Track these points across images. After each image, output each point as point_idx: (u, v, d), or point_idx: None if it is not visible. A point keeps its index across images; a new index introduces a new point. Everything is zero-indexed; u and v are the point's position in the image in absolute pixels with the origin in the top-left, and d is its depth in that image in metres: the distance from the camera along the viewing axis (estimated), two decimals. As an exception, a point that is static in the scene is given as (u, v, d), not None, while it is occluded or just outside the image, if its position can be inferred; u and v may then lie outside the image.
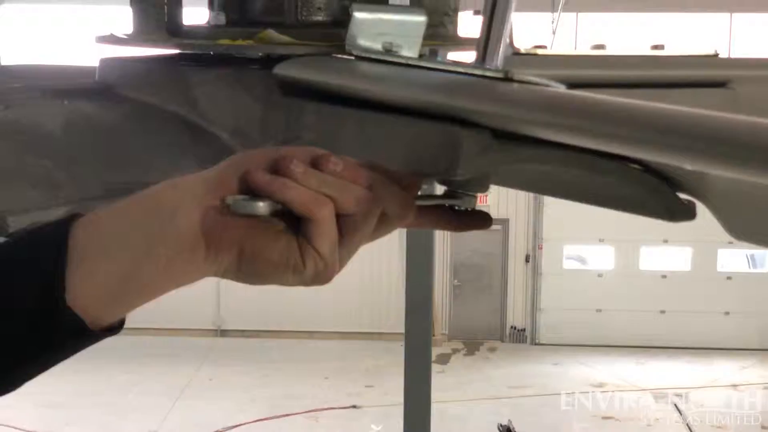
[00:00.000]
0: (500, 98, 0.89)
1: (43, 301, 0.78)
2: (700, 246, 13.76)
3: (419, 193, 0.92)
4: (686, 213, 1.01)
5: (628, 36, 13.85)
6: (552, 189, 1.13)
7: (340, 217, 0.84)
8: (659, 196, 1.00)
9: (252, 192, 0.82)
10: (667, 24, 14.07)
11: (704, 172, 0.88)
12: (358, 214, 0.85)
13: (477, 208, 0.93)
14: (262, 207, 0.81)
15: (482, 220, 0.94)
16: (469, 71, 0.94)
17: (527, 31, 12.46)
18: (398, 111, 0.96)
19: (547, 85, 0.91)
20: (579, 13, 13.93)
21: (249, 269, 0.84)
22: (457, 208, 0.94)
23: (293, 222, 0.84)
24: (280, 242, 0.84)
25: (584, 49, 1.42)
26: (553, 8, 13.17)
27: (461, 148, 0.91)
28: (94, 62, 1.30)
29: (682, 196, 1.01)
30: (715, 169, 0.77)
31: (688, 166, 0.82)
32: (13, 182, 1.00)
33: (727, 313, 14.33)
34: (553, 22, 13.30)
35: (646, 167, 0.99)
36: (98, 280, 0.79)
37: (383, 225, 0.88)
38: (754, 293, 14.15)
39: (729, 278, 14.47)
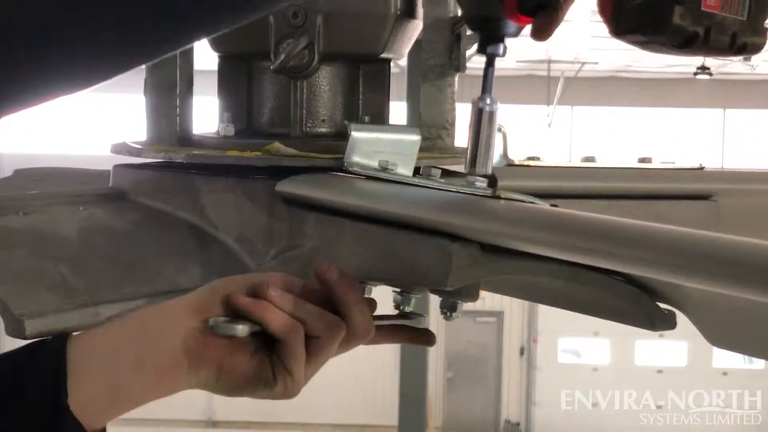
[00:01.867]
0: (487, 215, 0.96)
1: (48, 407, 0.85)
2: (696, 341, 13.61)
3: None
4: (667, 322, 1.06)
5: (622, 130, 14.04)
6: (539, 297, 1.19)
7: (309, 338, 0.95)
8: (640, 306, 1.05)
9: (232, 314, 0.93)
10: (661, 119, 14.28)
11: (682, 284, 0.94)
12: (326, 337, 0.96)
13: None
14: (241, 329, 0.92)
15: (428, 337, 1.08)
16: (460, 190, 1.01)
17: (524, 123, 12.66)
18: (393, 224, 1.03)
19: (533, 203, 0.98)
20: (574, 107, 14.15)
21: (225, 383, 0.95)
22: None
23: (265, 342, 0.95)
24: (255, 360, 0.95)
25: (575, 161, 1.49)
26: (548, 102, 13.39)
27: (451, 261, 0.97)
28: (111, 161, 1.37)
29: (663, 306, 1.06)
30: (688, 282, 0.83)
31: (664, 279, 0.88)
32: (31, 287, 1.05)
33: (723, 409, 14.22)
34: (548, 115, 13.50)
35: (628, 278, 1.05)
36: (92, 390, 0.88)
37: (345, 343, 0.99)
38: (750, 390, 14.05)
39: (725, 374, 14.39)
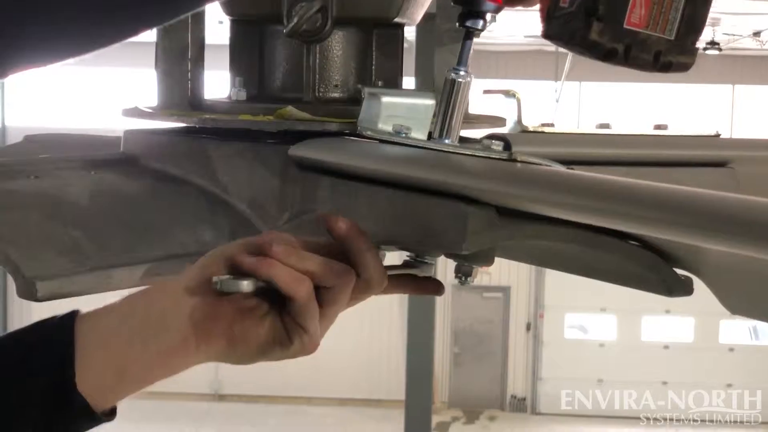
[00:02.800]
0: (503, 178, 0.95)
1: (57, 388, 0.85)
2: (702, 317, 13.73)
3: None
4: (683, 288, 1.05)
5: (630, 105, 13.98)
6: (554, 263, 1.18)
7: (319, 290, 0.92)
8: (657, 272, 1.04)
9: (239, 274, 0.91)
10: (670, 94, 14.21)
11: (699, 248, 0.93)
12: (337, 286, 0.93)
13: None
14: (246, 285, 0.89)
15: (436, 287, 1.05)
16: (475, 153, 1.00)
17: (532, 99, 12.57)
18: (408, 188, 1.02)
19: (549, 165, 0.96)
20: (582, 82, 14.08)
21: (239, 352, 0.92)
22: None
23: (275, 301, 0.92)
24: (266, 323, 0.92)
25: (590, 128, 1.47)
26: (556, 78, 13.33)
27: (467, 224, 0.96)
28: (119, 132, 1.36)
29: (680, 271, 1.05)
30: (705, 243, 0.82)
31: (680, 240, 0.87)
32: (42, 250, 1.04)
33: (729, 386, 14.24)
34: (556, 91, 13.44)
35: (645, 244, 1.04)
36: (99, 371, 0.87)
37: (360, 292, 0.96)
38: (756, 366, 14.06)
39: (731, 350, 14.40)
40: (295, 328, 0.92)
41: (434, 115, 1.13)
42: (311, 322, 0.92)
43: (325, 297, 0.93)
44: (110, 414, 0.89)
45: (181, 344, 0.89)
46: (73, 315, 0.89)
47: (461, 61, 1.10)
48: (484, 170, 0.97)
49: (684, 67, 0.93)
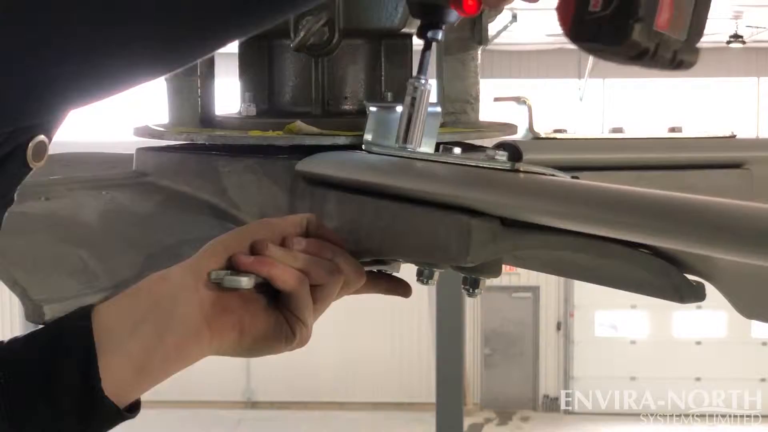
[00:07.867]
0: (505, 189, 0.95)
1: (83, 393, 0.87)
2: (734, 312, 13.34)
3: None
4: (695, 294, 1.04)
5: (655, 100, 13.89)
6: (565, 271, 1.17)
7: (313, 288, 0.98)
8: (668, 278, 1.03)
9: (237, 270, 0.94)
10: (694, 89, 14.10)
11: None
12: (328, 284, 0.98)
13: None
14: (245, 281, 0.93)
15: (404, 288, 1.09)
16: (479, 164, 1.00)
17: (556, 97, 12.55)
18: (411, 201, 1.02)
19: (553, 175, 0.96)
20: (606, 79, 14.00)
21: (248, 345, 0.96)
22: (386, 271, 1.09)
23: (272, 297, 0.97)
24: (272, 318, 0.96)
25: (602, 133, 1.46)
26: (579, 75, 13.28)
27: (470, 237, 0.96)
28: (132, 150, 1.37)
29: (691, 277, 1.04)
30: (711, 252, 0.81)
31: (685, 249, 0.86)
32: (50, 272, 1.05)
33: (763, 380, 14.11)
34: (580, 89, 13.39)
35: (655, 251, 1.03)
36: (118, 368, 0.89)
37: (341, 290, 1.02)
38: (750, 390, 13.83)
39: (764, 344, 14.27)
40: (295, 322, 0.97)
41: (399, 122, 1.15)
42: (309, 316, 0.97)
43: (317, 294, 0.98)
44: (132, 409, 0.91)
45: (195, 335, 0.91)
46: (87, 315, 0.90)
47: (421, 70, 1.14)
48: (487, 182, 0.97)
49: (690, 65, 1.02)
